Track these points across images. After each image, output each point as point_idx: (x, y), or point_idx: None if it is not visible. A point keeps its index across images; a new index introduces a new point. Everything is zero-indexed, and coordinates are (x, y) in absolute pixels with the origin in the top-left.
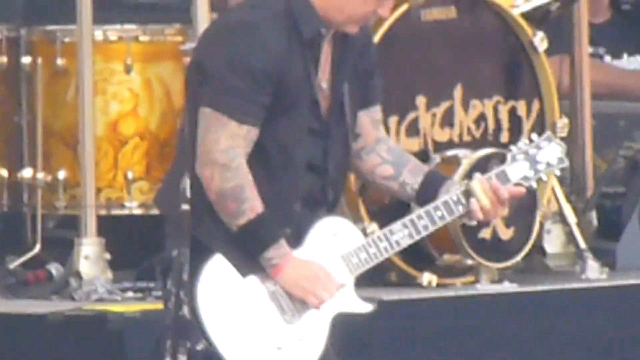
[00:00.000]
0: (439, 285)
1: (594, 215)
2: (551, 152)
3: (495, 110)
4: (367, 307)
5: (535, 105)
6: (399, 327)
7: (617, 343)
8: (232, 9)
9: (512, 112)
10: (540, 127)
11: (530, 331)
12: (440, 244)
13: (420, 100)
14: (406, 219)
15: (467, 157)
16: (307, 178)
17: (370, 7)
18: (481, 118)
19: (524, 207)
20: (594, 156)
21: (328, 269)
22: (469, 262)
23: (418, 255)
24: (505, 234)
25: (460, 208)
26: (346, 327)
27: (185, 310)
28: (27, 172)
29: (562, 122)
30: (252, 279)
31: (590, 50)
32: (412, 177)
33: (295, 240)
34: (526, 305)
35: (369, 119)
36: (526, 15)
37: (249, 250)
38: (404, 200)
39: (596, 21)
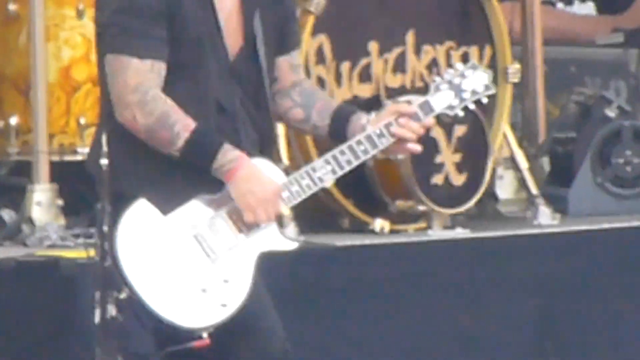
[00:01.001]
0: (391, 232)
1: (546, 161)
2: (477, 79)
3: (448, 55)
4: (292, 245)
5: (487, 51)
6: (352, 273)
7: (568, 289)
8: None
9: (464, 58)
10: (492, 72)
11: (482, 277)
12: (393, 190)
13: (373, 46)
14: (328, 155)
15: (419, 101)
16: (218, 118)
17: None
18: (433, 64)
19: (475, 153)
20: (546, 102)
21: (278, 190)
22: (422, 208)
23: (370, 201)
24: (458, 180)
25: (384, 141)
26: (299, 272)
27: (110, 261)
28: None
29: (514, 68)
30: (175, 223)
31: None
32: (320, 118)
33: (219, 182)
34: (478, 251)
35: (288, 64)
36: None
37: (200, 166)
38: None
39: None
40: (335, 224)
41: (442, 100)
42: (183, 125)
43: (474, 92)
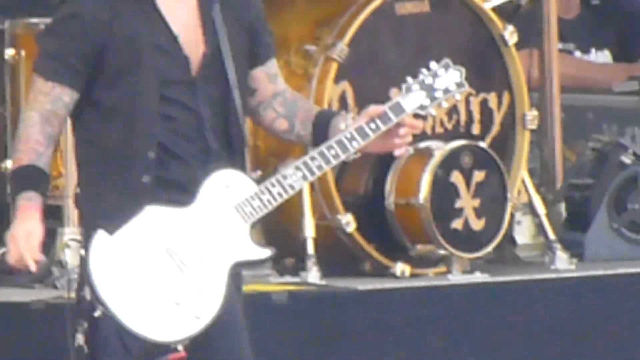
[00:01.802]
0: (412, 275)
1: (563, 207)
2: (449, 78)
3: (467, 102)
4: (264, 253)
5: (506, 98)
6: (373, 317)
7: (586, 333)
8: None
9: (484, 104)
10: (511, 118)
11: (501, 321)
12: (414, 235)
13: (394, 93)
14: (299, 162)
15: (440, 149)
16: (163, 127)
17: None
18: (453, 110)
19: (495, 198)
20: (563, 148)
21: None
22: (442, 252)
23: (392, 245)
24: (477, 224)
25: (355, 144)
26: (321, 315)
27: (86, 289)
28: (10, 163)
29: (532, 115)
30: (145, 240)
31: (560, 46)
32: (303, 127)
33: (167, 187)
34: (497, 295)
35: (265, 74)
36: (497, 10)
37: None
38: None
39: (567, 17)
40: (357, 268)
41: (413, 101)
42: (18, 157)
43: (446, 91)
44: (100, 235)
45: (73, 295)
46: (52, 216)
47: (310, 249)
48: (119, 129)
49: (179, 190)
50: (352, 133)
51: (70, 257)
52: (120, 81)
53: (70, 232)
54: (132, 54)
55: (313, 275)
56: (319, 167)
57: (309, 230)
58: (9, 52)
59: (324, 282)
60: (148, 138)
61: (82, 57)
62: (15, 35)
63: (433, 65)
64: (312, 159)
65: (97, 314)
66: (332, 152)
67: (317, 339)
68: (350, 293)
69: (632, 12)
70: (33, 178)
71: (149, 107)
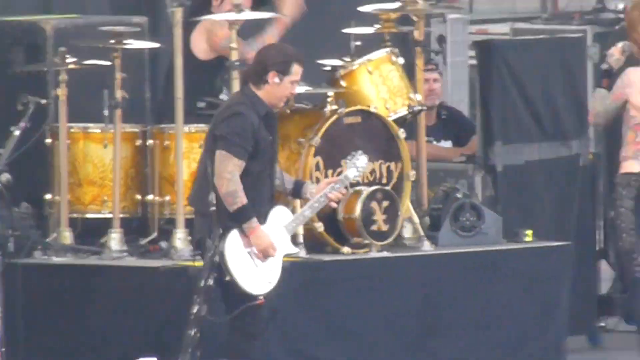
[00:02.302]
0: (352, 253)
1: (427, 219)
2: (361, 161)
3: (380, 166)
4: (295, 249)
5: (399, 165)
6: (330, 276)
7: (442, 285)
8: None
9: (388, 168)
10: (401, 175)
11: (395, 276)
12: (352, 233)
13: (344, 162)
14: (301, 210)
15: (366, 190)
16: (267, 190)
17: (287, 92)
18: (374, 170)
19: (393, 214)
20: (427, 190)
21: (273, 238)
22: (366, 241)
23: (341, 238)
24: (384, 228)
25: (323, 200)
26: (307, 272)
27: (211, 281)
28: (150, 197)
29: (412, 173)
30: (245, 244)
31: (425, 138)
32: (288, 184)
33: (263, 218)
34: (394, 264)
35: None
36: (395, 120)
37: (239, 222)
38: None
39: (429, 124)
40: (323, 249)
41: (350, 174)
42: (240, 199)
43: (361, 167)
44: (232, 234)
45: (199, 262)
46: (169, 224)
47: (301, 239)
48: (255, 179)
49: (264, 218)
50: (321, 195)
51: (180, 244)
52: (255, 159)
53: (179, 232)
54: (263, 144)
55: (302, 253)
56: (311, 213)
57: (300, 230)
58: (150, 143)
59: (308, 256)
60: (264, 194)
61: (251, 146)
62: (153, 132)
63: (354, 153)
64: (305, 210)
65: (227, 278)
66: (316, 205)
67: (304, 285)
68: (320, 262)
69: (463, 122)
70: (251, 211)
71: (264, 178)
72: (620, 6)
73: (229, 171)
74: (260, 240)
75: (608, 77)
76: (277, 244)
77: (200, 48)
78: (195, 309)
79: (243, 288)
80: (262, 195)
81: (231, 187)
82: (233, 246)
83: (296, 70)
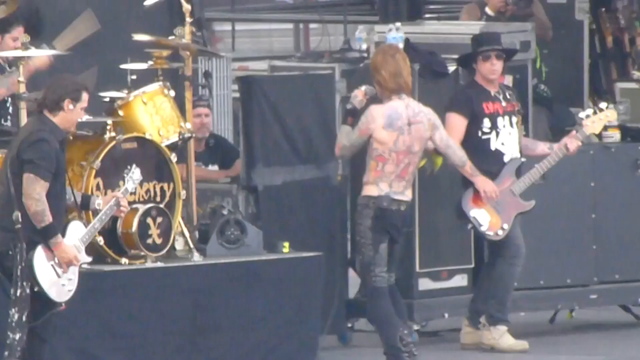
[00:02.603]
0: (130, 264)
1: (196, 233)
2: (135, 174)
3: (154, 186)
4: (88, 259)
5: (172, 185)
6: (110, 284)
7: (211, 289)
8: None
9: (161, 188)
10: (173, 196)
11: (166, 283)
12: (130, 245)
13: (121, 183)
14: (92, 223)
15: (142, 208)
16: (63, 206)
17: (79, 117)
18: (149, 190)
19: (167, 229)
20: (197, 207)
21: (74, 250)
22: (142, 253)
23: (120, 249)
24: (158, 241)
25: (109, 212)
26: (89, 283)
27: (27, 289)
28: None
29: (183, 192)
30: (49, 257)
31: (195, 162)
32: (77, 198)
33: (62, 232)
34: (168, 274)
35: None
36: (168, 146)
37: (46, 238)
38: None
39: (198, 149)
40: (103, 260)
41: (129, 187)
42: (48, 218)
43: (137, 179)
44: (39, 247)
45: None
46: None
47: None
48: (57, 197)
49: (63, 231)
50: (109, 207)
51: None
52: (58, 178)
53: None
54: (61, 167)
55: (85, 264)
56: (100, 224)
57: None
58: None
59: (90, 267)
60: (64, 203)
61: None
62: None
63: (132, 167)
64: (99, 220)
65: (36, 289)
66: (103, 217)
67: (87, 293)
68: (102, 272)
69: (228, 148)
70: (56, 228)
71: (63, 191)
72: (364, 47)
73: (37, 192)
74: (64, 253)
75: (352, 116)
76: (77, 255)
77: None
78: (15, 316)
79: (50, 296)
80: (61, 212)
81: (39, 206)
82: (39, 259)
83: (85, 97)
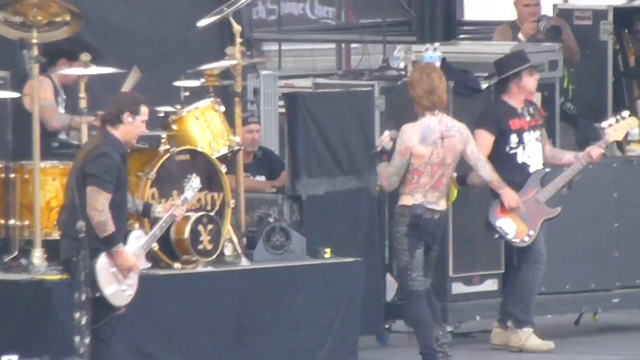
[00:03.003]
0: (182, 268)
1: (244, 240)
2: (195, 182)
3: (205, 196)
4: (148, 264)
5: (221, 194)
6: (164, 287)
7: (256, 291)
8: (94, 144)
9: (212, 197)
10: (222, 205)
11: (220, 285)
12: (183, 251)
13: (174, 193)
14: (152, 230)
15: (194, 216)
16: (125, 215)
17: (139, 130)
18: (200, 199)
19: (217, 236)
20: (245, 215)
21: (134, 257)
22: (194, 258)
23: (173, 255)
24: (209, 247)
25: (169, 220)
26: (147, 284)
27: (90, 294)
28: (12, 222)
29: (232, 201)
30: (111, 264)
31: (243, 173)
32: (138, 207)
33: (124, 240)
34: (217, 278)
35: None
36: (218, 158)
37: (109, 246)
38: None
39: (247, 161)
40: (159, 264)
41: (189, 195)
42: (110, 227)
43: (196, 188)
44: (102, 255)
45: None
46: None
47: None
48: (119, 208)
49: (125, 239)
50: (169, 216)
51: (39, 261)
52: (119, 190)
53: (40, 253)
54: (123, 179)
55: (145, 265)
56: (160, 232)
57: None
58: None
59: (146, 271)
60: (126, 213)
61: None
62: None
63: (191, 176)
64: (160, 228)
65: (97, 294)
66: (164, 225)
67: (143, 295)
68: (156, 276)
69: (274, 160)
70: (118, 237)
71: (125, 201)
72: (402, 65)
73: (101, 204)
74: (125, 261)
75: (385, 154)
76: (137, 262)
77: (27, 104)
78: (80, 320)
79: (110, 302)
80: (123, 221)
81: (102, 217)
82: (102, 267)
83: (144, 111)
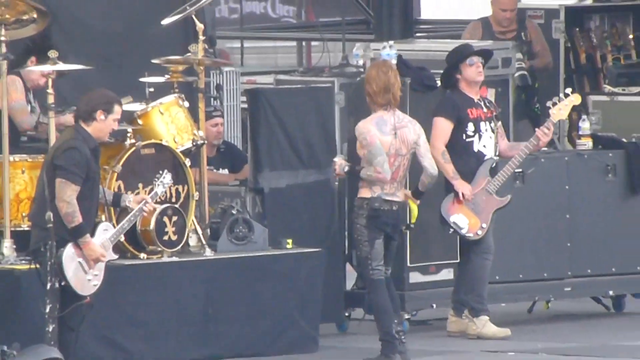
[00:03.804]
0: (148, 258)
1: (208, 231)
2: (166, 178)
3: (170, 188)
4: (115, 256)
5: (186, 187)
6: (130, 277)
7: (222, 280)
8: (65, 138)
9: (177, 190)
10: (187, 197)
11: (185, 280)
12: (148, 241)
13: (140, 185)
14: (121, 224)
15: (159, 208)
16: (95, 207)
17: (111, 127)
18: (165, 192)
19: (181, 228)
20: (209, 207)
21: (101, 248)
22: (159, 249)
23: (140, 246)
24: (174, 238)
25: (138, 214)
26: (113, 275)
27: (57, 284)
28: None
29: (196, 194)
30: (78, 254)
31: (207, 166)
32: (109, 197)
33: (92, 231)
34: (182, 268)
35: None
36: (182, 151)
37: (76, 237)
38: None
39: (210, 155)
40: (125, 255)
41: (159, 190)
42: (78, 218)
43: (167, 184)
44: (69, 245)
45: None
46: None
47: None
48: (87, 199)
49: (93, 230)
50: (139, 208)
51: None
52: (88, 182)
53: (9, 242)
54: (92, 172)
55: (113, 257)
56: (129, 223)
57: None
58: None
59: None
60: (95, 204)
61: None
62: None
63: (163, 172)
64: (128, 221)
65: (63, 283)
66: (132, 218)
67: (110, 285)
68: (122, 266)
69: (237, 154)
70: (86, 228)
71: (94, 193)
72: (361, 62)
73: (68, 195)
74: (92, 252)
75: (356, 167)
76: (104, 253)
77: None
78: (47, 307)
79: (76, 290)
80: (92, 213)
81: (70, 208)
82: (68, 256)
83: (117, 110)
